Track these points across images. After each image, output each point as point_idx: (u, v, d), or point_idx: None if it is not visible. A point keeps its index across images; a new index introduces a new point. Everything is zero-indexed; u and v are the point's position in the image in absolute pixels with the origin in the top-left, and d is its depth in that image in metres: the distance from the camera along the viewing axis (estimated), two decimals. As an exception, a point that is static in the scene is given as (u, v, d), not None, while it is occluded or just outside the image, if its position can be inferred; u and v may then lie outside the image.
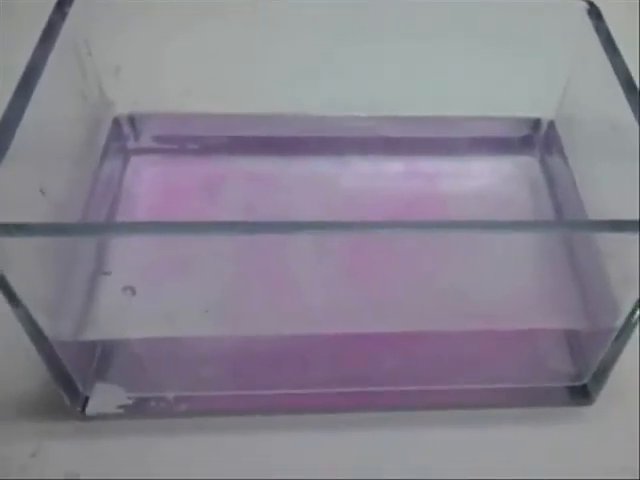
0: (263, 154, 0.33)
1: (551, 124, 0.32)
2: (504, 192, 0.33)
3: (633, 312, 0.24)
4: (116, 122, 0.31)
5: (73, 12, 0.25)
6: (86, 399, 0.26)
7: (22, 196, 0.22)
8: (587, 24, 0.28)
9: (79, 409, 0.26)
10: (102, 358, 0.26)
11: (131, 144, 0.32)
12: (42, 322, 0.22)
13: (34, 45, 0.23)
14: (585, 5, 0.28)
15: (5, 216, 0.19)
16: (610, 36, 0.27)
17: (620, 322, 0.25)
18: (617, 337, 0.25)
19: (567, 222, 0.29)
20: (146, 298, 0.22)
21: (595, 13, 0.28)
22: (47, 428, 0.26)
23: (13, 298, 0.21)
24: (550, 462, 0.26)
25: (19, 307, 0.21)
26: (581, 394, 0.27)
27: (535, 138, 0.33)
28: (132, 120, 0.31)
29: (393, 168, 0.33)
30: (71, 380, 0.25)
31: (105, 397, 0.26)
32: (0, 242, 0.19)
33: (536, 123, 0.33)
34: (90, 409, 0.26)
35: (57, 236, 0.20)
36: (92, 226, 0.23)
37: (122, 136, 0.31)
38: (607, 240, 0.24)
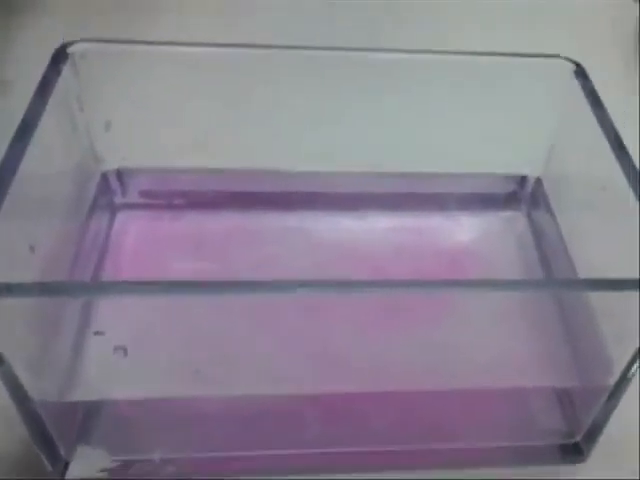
0: (249, 209, 0.32)
1: (538, 181, 0.33)
2: (491, 248, 0.33)
3: (628, 369, 0.24)
4: (104, 177, 0.30)
5: (67, 68, 0.25)
6: (66, 464, 0.25)
7: (12, 254, 0.21)
8: (574, 83, 0.28)
9: (58, 475, 0.25)
10: (85, 420, 0.25)
11: (118, 199, 0.31)
12: (26, 381, 0.21)
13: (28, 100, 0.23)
14: (572, 65, 0.29)
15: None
16: (597, 95, 0.28)
17: (614, 379, 0.24)
18: (611, 394, 0.25)
19: (563, 281, 0.29)
20: (137, 358, 0.21)
21: (581, 73, 0.28)
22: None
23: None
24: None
25: (2, 365, 0.20)
26: (574, 452, 0.27)
27: (521, 194, 0.33)
28: (120, 175, 0.31)
29: (380, 224, 0.33)
30: (53, 443, 0.24)
31: (87, 461, 0.25)
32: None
33: (523, 180, 0.33)
34: (70, 474, 0.25)
35: (48, 296, 0.19)
36: (84, 286, 0.23)
37: (109, 191, 0.31)
38: (600, 297, 0.24)
